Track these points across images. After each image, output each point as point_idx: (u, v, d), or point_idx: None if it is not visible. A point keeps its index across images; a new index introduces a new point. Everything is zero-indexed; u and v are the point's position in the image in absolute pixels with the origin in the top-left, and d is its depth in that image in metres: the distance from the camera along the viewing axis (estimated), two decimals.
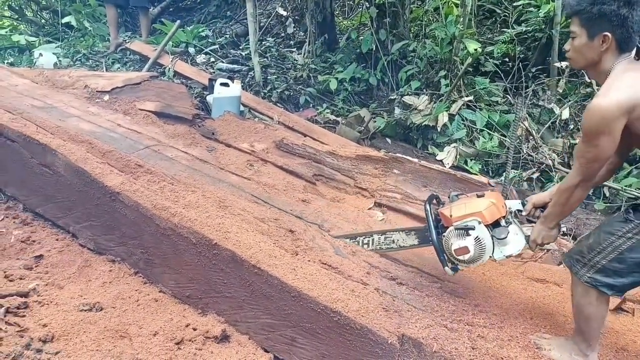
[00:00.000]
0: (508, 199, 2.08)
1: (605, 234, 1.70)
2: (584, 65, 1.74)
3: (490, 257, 1.94)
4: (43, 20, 7.38)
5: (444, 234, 1.99)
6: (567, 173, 3.96)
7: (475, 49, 4.22)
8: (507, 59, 5.00)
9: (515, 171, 3.74)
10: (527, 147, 3.76)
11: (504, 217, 1.96)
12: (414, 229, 2.29)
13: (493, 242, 1.93)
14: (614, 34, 1.61)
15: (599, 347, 1.86)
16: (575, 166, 1.71)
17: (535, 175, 3.78)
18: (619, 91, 1.55)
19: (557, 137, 4.13)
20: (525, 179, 3.72)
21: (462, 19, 4.29)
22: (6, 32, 7.02)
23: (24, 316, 2.00)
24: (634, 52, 1.65)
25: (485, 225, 1.92)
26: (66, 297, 2.17)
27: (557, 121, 4.06)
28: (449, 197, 2.11)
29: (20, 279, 2.24)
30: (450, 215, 1.96)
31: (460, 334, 1.89)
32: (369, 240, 2.38)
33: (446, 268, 1.99)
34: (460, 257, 1.93)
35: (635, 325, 2.16)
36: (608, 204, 3.84)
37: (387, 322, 1.87)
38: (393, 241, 2.31)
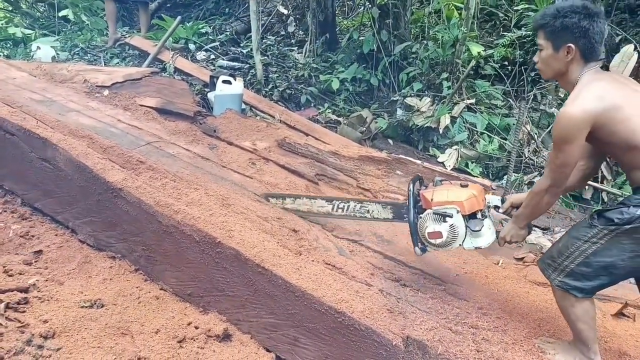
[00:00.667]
0: (489, 194, 2.14)
1: (572, 239, 1.77)
2: (552, 75, 1.83)
3: (460, 245, 2.00)
4: (38, 13, 7.30)
5: (420, 215, 2.05)
6: None
7: (479, 52, 4.24)
8: (506, 63, 5.03)
9: (517, 174, 3.75)
10: (529, 151, 3.78)
11: (481, 210, 2.02)
12: (390, 203, 2.32)
13: (466, 232, 1.98)
14: (577, 45, 1.71)
15: (598, 348, 1.87)
16: (546, 171, 1.79)
17: (536, 179, 3.80)
18: (585, 100, 1.64)
19: None
20: (526, 182, 3.73)
21: (465, 21, 4.29)
22: (1, 24, 6.94)
23: (24, 312, 1.97)
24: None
25: (462, 215, 1.97)
26: (67, 293, 2.14)
27: None
28: (433, 182, 2.15)
29: (20, 274, 2.21)
30: (431, 199, 2.01)
31: (464, 337, 1.89)
32: (344, 206, 2.40)
33: (416, 248, 2.08)
34: (432, 241, 2.00)
35: (637, 330, 2.18)
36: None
37: (391, 324, 1.86)
38: (368, 211, 2.34)
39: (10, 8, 7.43)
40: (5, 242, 2.48)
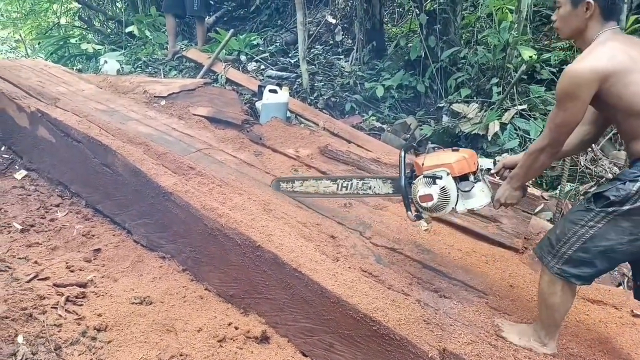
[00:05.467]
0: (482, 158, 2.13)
1: (569, 224, 1.70)
2: (570, 34, 1.77)
3: (453, 208, 2.01)
4: (109, 30, 7.96)
5: (413, 181, 2.10)
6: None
7: (530, 56, 4.05)
8: (564, 67, 4.75)
9: (572, 184, 3.53)
10: (585, 159, 3.54)
11: (474, 173, 2.03)
12: (390, 177, 2.38)
13: (457, 194, 1.99)
14: (597, 0, 1.64)
15: (557, 336, 1.84)
16: (545, 131, 1.73)
17: (592, 189, 3.54)
18: (595, 58, 1.59)
19: (619, 149, 3.86)
20: (582, 192, 3.49)
21: (516, 25, 4.12)
22: (76, 40, 7.64)
23: (81, 305, 2.14)
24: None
25: (453, 177, 1.99)
26: (120, 289, 2.29)
27: None
28: (426, 150, 2.15)
29: (80, 270, 2.41)
30: (422, 164, 2.06)
31: (505, 353, 1.81)
32: (347, 184, 2.47)
33: (409, 213, 2.13)
34: (424, 204, 2.03)
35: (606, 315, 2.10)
36: None
37: (428, 335, 1.83)
38: (370, 187, 2.41)
39: (85, 26, 8.18)
40: (69, 241, 2.71)
